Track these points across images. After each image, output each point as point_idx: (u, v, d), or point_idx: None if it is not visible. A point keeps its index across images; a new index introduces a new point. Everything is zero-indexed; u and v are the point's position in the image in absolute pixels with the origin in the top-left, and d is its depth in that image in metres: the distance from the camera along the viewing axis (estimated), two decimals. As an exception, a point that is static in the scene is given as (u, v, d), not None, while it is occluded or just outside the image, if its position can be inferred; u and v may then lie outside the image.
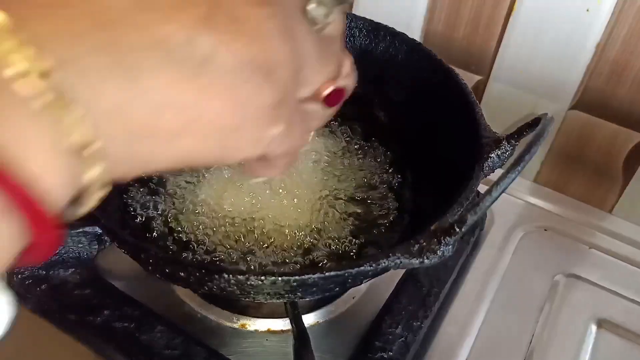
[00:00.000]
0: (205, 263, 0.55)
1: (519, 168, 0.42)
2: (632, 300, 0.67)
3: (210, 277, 0.44)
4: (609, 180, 0.79)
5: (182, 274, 0.44)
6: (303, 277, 0.43)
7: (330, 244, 0.59)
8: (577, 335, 0.63)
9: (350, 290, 0.64)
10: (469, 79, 0.82)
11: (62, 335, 0.58)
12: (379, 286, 0.64)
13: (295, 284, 0.44)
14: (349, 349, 0.59)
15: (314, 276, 0.43)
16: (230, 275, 0.43)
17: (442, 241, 0.44)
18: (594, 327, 0.64)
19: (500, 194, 0.42)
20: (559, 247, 0.73)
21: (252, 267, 0.57)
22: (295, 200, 0.61)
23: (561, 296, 0.67)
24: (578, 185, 0.82)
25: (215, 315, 0.61)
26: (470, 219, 0.43)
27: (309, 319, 0.61)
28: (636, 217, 0.78)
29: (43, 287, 0.59)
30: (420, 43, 0.66)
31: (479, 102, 0.84)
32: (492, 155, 0.52)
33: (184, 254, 0.57)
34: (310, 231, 0.59)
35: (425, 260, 0.45)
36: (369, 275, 0.47)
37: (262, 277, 0.43)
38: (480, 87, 0.83)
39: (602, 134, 0.76)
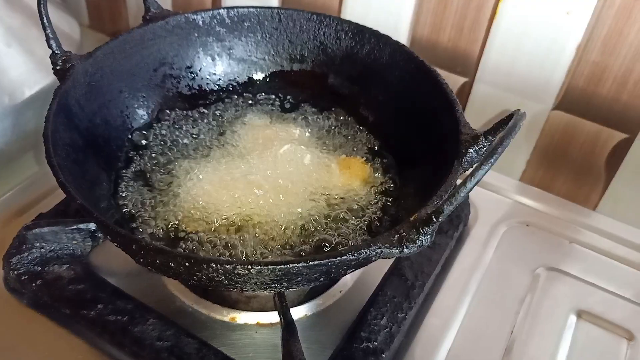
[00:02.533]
0: (194, 254, 0.57)
1: (492, 160, 0.44)
2: (612, 292, 0.69)
3: (199, 267, 0.45)
4: (592, 178, 0.80)
5: (172, 264, 0.46)
6: (288, 266, 0.45)
7: (314, 240, 0.61)
8: (557, 326, 0.65)
9: (337, 283, 0.66)
10: (455, 81, 0.84)
11: (57, 329, 0.60)
12: (365, 280, 0.66)
13: (280, 272, 0.46)
14: (336, 339, 0.61)
15: (298, 265, 0.45)
16: (218, 265, 0.45)
17: (421, 231, 0.46)
18: (573, 318, 0.66)
19: (475, 184, 0.44)
20: (541, 242, 0.75)
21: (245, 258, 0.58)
22: (281, 197, 0.62)
23: (542, 288, 0.69)
24: (563, 184, 0.83)
25: (206, 309, 0.62)
26: (447, 209, 0.44)
27: (297, 312, 0.63)
28: (619, 213, 0.80)
29: (38, 282, 0.61)
30: (403, 45, 0.68)
31: (465, 103, 0.86)
32: (471, 150, 0.54)
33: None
34: (297, 227, 0.61)
35: (405, 250, 0.46)
36: (352, 265, 0.49)
37: (249, 267, 0.45)
38: (466, 89, 0.84)
39: (585, 134, 0.78)
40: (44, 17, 0.59)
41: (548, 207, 0.80)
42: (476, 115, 0.85)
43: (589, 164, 0.79)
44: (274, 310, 0.60)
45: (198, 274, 0.46)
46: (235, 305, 0.63)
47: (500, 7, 0.75)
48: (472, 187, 0.44)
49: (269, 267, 0.45)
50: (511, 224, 0.76)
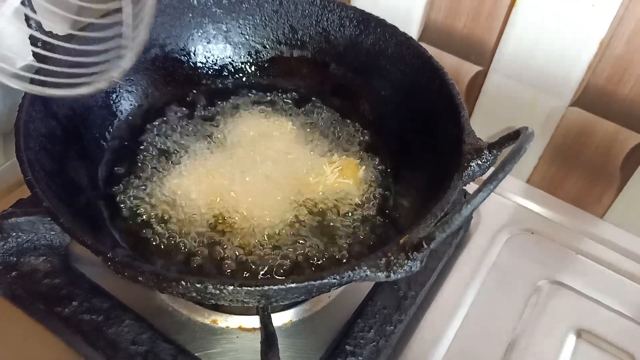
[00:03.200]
0: (163, 270, 0.54)
1: (492, 187, 0.40)
2: (615, 311, 0.65)
3: (168, 283, 0.43)
4: (606, 180, 0.77)
5: (140, 279, 0.43)
6: (264, 288, 0.42)
7: (303, 244, 0.58)
8: (554, 345, 0.62)
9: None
10: (469, 69, 0.80)
11: (32, 323, 0.58)
12: (355, 286, 0.63)
13: (257, 293, 0.43)
14: (320, 349, 0.58)
15: (274, 287, 0.42)
16: (189, 283, 0.42)
17: (411, 256, 0.42)
18: (573, 338, 0.63)
19: (471, 212, 0.40)
20: (546, 252, 0.71)
21: (226, 256, 0.56)
22: (268, 198, 0.60)
23: (542, 303, 0.65)
24: (574, 184, 0.80)
25: (187, 310, 0.59)
26: (439, 236, 0.41)
27: (283, 317, 0.60)
28: (629, 221, 0.77)
29: (13, 274, 0.58)
30: (411, 37, 0.64)
31: (478, 93, 0.82)
32: (473, 164, 0.50)
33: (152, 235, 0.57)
34: (282, 229, 0.59)
35: (392, 275, 0.43)
36: (334, 286, 0.46)
37: (221, 287, 0.42)
38: (480, 78, 0.81)
39: (602, 133, 0.74)
40: (25, -7, 0.55)
41: (555, 213, 0.77)
42: (489, 105, 0.82)
43: (604, 164, 0.76)
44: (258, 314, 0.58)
45: (169, 289, 0.44)
46: (217, 307, 0.60)
47: (520, -6, 0.71)
48: (468, 215, 0.41)
49: (244, 288, 0.42)
50: (515, 231, 0.72)
